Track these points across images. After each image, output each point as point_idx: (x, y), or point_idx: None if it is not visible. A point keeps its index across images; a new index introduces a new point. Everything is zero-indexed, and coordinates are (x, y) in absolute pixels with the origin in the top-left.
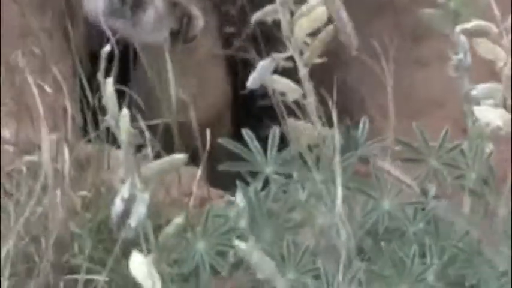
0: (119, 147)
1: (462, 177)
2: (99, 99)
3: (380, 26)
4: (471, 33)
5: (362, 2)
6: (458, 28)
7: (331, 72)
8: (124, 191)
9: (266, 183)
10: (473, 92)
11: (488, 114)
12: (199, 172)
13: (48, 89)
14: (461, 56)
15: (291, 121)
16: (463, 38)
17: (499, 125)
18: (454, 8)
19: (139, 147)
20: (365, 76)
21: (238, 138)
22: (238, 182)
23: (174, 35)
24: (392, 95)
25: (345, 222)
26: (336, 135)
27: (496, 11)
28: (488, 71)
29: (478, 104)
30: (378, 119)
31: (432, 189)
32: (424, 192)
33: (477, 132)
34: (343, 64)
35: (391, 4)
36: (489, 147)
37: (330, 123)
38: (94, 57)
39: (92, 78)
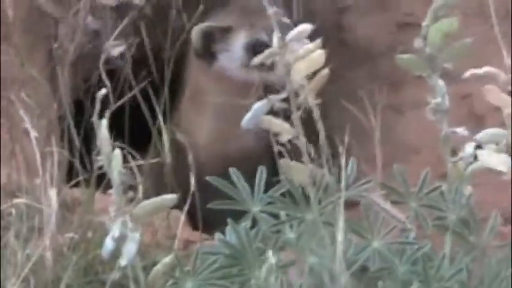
0: (105, 191)
1: (443, 218)
2: (86, 143)
3: (359, 74)
4: (479, 79)
5: (343, 51)
6: (467, 73)
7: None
8: (115, 230)
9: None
10: (479, 136)
11: (491, 159)
12: (183, 216)
13: (36, 134)
14: (439, 99)
15: (283, 161)
16: (440, 82)
17: (501, 170)
18: (430, 53)
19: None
20: (346, 121)
21: None
22: (229, 221)
23: None
24: (378, 140)
25: (342, 264)
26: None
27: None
28: (466, 112)
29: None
30: (360, 162)
31: (412, 230)
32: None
33: (456, 174)
34: (325, 107)
35: (369, 52)
36: (468, 190)
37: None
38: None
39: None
